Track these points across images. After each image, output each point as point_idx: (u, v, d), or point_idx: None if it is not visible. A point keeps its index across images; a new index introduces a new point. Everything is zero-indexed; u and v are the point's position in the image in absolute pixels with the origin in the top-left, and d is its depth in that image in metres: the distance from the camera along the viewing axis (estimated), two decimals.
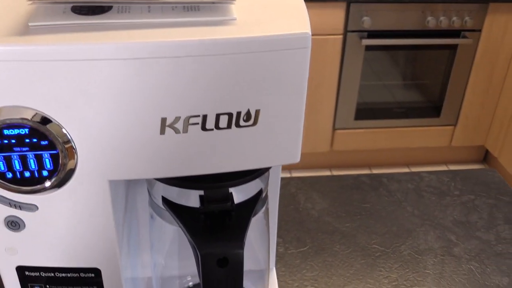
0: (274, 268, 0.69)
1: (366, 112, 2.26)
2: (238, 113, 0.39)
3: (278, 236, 0.79)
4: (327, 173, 2.32)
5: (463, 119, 2.32)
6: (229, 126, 0.39)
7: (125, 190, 0.49)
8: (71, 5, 0.38)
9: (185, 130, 0.39)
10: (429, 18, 2.07)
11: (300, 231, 0.80)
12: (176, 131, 0.39)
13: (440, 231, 0.81)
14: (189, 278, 0.60)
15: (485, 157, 2.53)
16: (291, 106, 0.40)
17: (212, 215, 0.43)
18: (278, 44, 0.37)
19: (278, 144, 0.41)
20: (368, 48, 2.11)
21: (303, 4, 0.41)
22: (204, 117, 0.38)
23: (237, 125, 0.39)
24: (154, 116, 0.38)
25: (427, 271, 0.74)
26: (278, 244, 0.77)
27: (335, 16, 2.01)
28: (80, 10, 0.38)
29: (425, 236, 0.80)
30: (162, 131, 0.38)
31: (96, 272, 0.45)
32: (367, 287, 0.71)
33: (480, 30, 2.12)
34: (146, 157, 0.39)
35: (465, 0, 2.05)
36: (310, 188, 0.89)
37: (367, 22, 2.05)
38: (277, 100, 0.39)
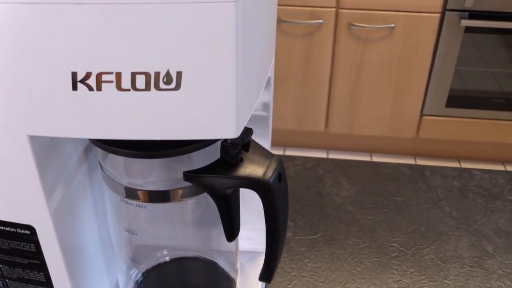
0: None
1: (460, 99, 2.08)
2: (157, 74, 0.34)
3: (291, 220, 0.74)
4: (411, 161, 2.18)
5: None
6: (147, 88, 0.34)
7: (81, 149, 0.47)
8: None
9: (99, 88, 0.35)
10: None
11: (316, 217, 0.74)
12: (89, 88, 0.35)
13: (477, 239, 0.70)
14: (165, 252, 0.57)
15: None
16: (219, 71, 0.34)
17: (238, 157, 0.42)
18: None
19: (208, 114, 0.36)
20: (468, 29, 1.92)
21: None
22: (118, 75, 0.34)
23: (157, 87, 0.34)
24: (63, 69, 0.34)
25: (447, 281, 0.65)
26: (288, 227, 0.72)
27: None
28: None
29: (457, 242, 0.70)
30: (74, 87, 0.35)
31: (31, 229, 0.43)
32: None
33: None
34: (62, 113, 0.36)
35: None
36: (341, 172, 0.82)
37: (469, 1, 1.86)
38: (201, 62, 0.34)
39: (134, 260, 0.53)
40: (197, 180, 0.42)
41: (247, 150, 0.43)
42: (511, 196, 0.77)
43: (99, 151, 0.45)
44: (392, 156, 2.19)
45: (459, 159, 2.19)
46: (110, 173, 0.45)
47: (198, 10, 0.32)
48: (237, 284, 0.57)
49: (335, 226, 0.72)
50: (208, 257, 0.56)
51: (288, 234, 0.71)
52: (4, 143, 0.38)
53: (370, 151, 2.24)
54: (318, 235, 0.71)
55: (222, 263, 0.56)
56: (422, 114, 2.09)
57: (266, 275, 0.48)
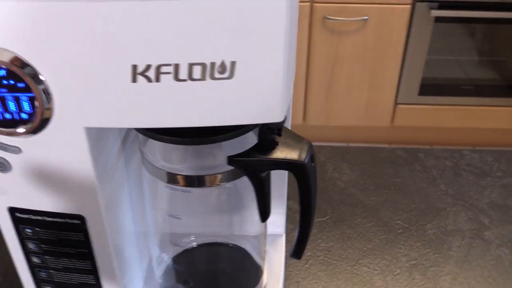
0: (284, 233, 0.67)
1: (432, 87, 2.15)
2: (212, 64, 0.37)
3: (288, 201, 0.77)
4: None
5: None
6: (203, 77, 0.37)
7: (119, 142, 0.49)
8: None
9: (157, 79, 0.37)
10: None
11: (322, 201, 0.77)
12: (148, 79, 0.37)
13: (473, 213, 0.75)
14: (192, 237, 0.60)
15: None
16: (269, 60, 0.37)
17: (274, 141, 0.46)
18: None
19: (258, 100, 0.39)
20: (438, 19, 1.99)
21: None
22: (176, 66, 0.37)
23: (212, 77, 0.37)
24: (124, 63, 0.37)
25: (451, 253, 0.69)
26: (297, 212, 0.75)
27: None
28: None
29: (455, 216, 0.75)
30: (134, 79, 0.37)
31: (81, 219, 0.45)
32: (382, 263, 0.68)
33: None
34: (120, 105, 0.39)
35: None
36: (341, 158, 0.86)
37: None
38: (253, 52, 0.37)
39: (173, 243, 0.55)
40: (239, 163, 0.45)
41: (280, 135, 0.46)
42: (500, 172, 0.83)
43: (142, 141, 0.47)
44: (368, 144, 2.25)
45: (432, 145, 2.27)
46: (155, 160, 0.47)
47: (252, 4, 0.35)
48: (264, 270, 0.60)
49: (341, 209, 0.76)
50: (237, 243, 0.59)
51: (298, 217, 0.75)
52: (61, 136, 0.40)
53: (347, 141, 2.30)
54: (326, 217, 0.75)
55: (250, 250, 0.59)
56: (396, 103, 2.15)
57: (297, 252, 0.52)
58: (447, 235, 0.72)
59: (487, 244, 0.71)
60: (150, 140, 0.45)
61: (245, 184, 0.48)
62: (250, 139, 0.46)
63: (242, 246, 0.59)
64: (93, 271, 0.49)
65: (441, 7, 1.95)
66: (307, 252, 0.69)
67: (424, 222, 0.74)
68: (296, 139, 0.47)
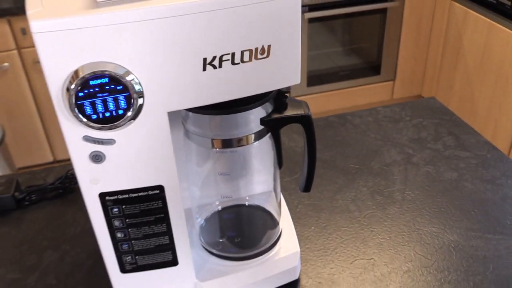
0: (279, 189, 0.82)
1: (316, 78, 2.41)
2: (256, 49, 0.51)
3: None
4: None
5: (400, 74, 2.51)
6: (250, 59, 0.51)
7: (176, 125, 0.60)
8: None
9: (220, 66, 0.50)
10: None
11: (290, 163, 0.93)
12: (214, 67, 0.50)
13: (400, 148, 0.96)
14: (218, 203, 0.72)
15: None
16: (291, 43, 0.52)
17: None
18: None
19: (284, 71, 0.54)
20: (311, 20, 2.25)
21: None
22: (233, 54, 0.50)
23: (256, 58, 0.51)
24: (198, 58, 0.49)
25: (395, 177, 0.89)
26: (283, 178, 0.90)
27: None
28: None
29: (389, 153, 0.95)
30: (204, 68, 0.50)
31: (161, 188, 0.56)
32: (352, 194, 0.85)
33: None
34: (193, 89, 0.51)
35: None
36: (290, 130, 1.02)
37: None
38: (281, 37, 0.51)
39: (218, 193, 0.67)
40: (270, 122, 0.59)
41: (287, 97, 0.61)
42: (408, 117, 1.05)
43: (187, 115, 0.59)
44: None
45: None
46: (199, 130, 0.59)
47: (278, 10, 0.50)
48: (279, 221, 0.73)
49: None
50: (255, 203, 0.72)
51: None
52: (148, 123, 0.52)
53: None
54: (298, 174, 0.91)
55: (268, 207, 0.72)
56: None
57: (307, 186, 0.67)
58: (388, 166, 0.91)
59: (417, 166, 0.91)
60: (197, 116, 0.58)
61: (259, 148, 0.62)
62: (264, 108, 0.61)
63: (259, 204, 0.73)
64: (168, 231, 0.60)
65: (311, 9, 2.21)
66: (294, 201, 0.85)
67: (369, 161, 0.93)
68: (295, 101, 0.63)
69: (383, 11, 2.32)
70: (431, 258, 0.73)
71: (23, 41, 1.94)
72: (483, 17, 2.03)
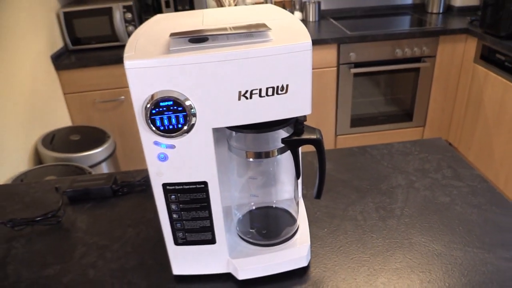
0: (302, 198, 0.87)
1: (358, 121, 2.43)
2: (277, 87, 0.58)
3: (303, 185, 0.97)
4: None
5: (429, 121, 2.46)
6: (273, 94, 0.58)
7: (223, 143, 0.68)
8: (189, 38, 0.59)
9: (251, 97, 0.58)
10: (397, 50, 2.25)
11: (314, 180, 0.97)
12: (246, 98, 0.58)
13: (405, 175, 0.97)
14: (252, 203, 0.78)
15: None
16: (303, 82, 0.59)
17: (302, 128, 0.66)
18: (297, 48, 0.56)
19: (298, 103, 0.60)
20: (356, 75, 2.29)
21: (303, 26, 0.61)
22: (260, 90, 0.58)
23: (277, 93, 0.58)
24: (235, 91, 0.57)
25: (398, 197, 0.90)
26: (302, 187, 0.95)
27: (330, 54, 2.20)
28: (193, 41, 0.58)
29: (396, 178, 0.97)
30: (239, 99, 0.58)
31: (205, 183, 0.64)
32: (360, 207, 0.88)
33: (435, 56, 2.29)
34: (231, 113, 0.59)
35: (422, 35, 2.23)
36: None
37: (353, 57, 2.23)
38: (297, 79, 0.58)
39: (251, 195, 0.74)
40: (289, 142, 0.65)
41: (303, 124, 0.67)
42: (416, 152, 1.06)
43: (229, 136, 0.67)
44: None
45: None
46: (238, 145, 0.66)
47: (295, 57, 0.57)
48: (297, 220, 0.78)
49: (329, 184, 0.97)
50: (280, 205, 0.78)
51: (303, 191, 0.94)
52: (199, 135, 0.60)
53: None
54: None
55: (290, 209, 0.78)
56: (336, 134, 2.40)
57: (318, 194, 0.72)
58: (393, 188, 0.93)
59: (417, 190, 0.92)
60: (237, 134, 0.65)
61: (283, 162, 0.68)
62: (286, 130, 0.67)
63: (283, 207, 0.78)
64: (209, 217, 0.67)
65: (356, 66, 2.25)
66: (315, 209, 0.89)
67: (379, 183, 0.95)
68: (310, 128, 0.68)
69: (417, 69, 2.31)
70: (417, 261, 0.74)
71: None
72: (500, 77, 1.98)
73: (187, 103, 0.57)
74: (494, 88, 2.04)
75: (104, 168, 1.82)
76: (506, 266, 0.71)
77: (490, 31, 2.05)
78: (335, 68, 2.20)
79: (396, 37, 2.16)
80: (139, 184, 0.98)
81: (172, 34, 0.59)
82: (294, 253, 0.73)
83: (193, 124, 0.59)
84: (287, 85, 0.58)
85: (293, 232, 0.75)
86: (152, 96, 0.57)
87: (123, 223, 0.88)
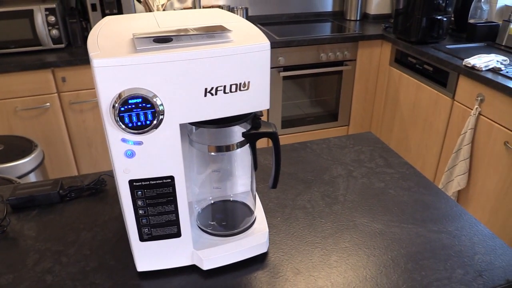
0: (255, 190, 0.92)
1: (288, 122, 2.54)
2: (240, 84, 0.63)
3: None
4: None
5: (353, 120, 2.65)
6: (236, 90, 0.63)
7: (184, 138, 0.71)
8: (154, 38, 0.61)
9: (216, 94, 0.62)
10: (322, 54, 2.40)
11: (264, 175, 1.04)
12: (212, 94, 0.62)
13: (344, 166, 1.07)
14: (210, 198, 0.82)
15: None
16: (263, 79, 0.64)
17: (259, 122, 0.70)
18: (258, 48, 0.61)
19: (258, 99, 0.65)
20: (285, 78, 2.40)
21: (257, 28, 0.67)
22: (225, 87, 0.62)
23: (240, 90, 0.63)
24: (201, 88, 0.61)
25: (340, 185, 1.00)
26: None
27: None
28: (158, 41, 0.61)
29: (336, 169, 1.06)
30: (205, 95, 0.62)
31: (171, 178, 0.66)
32: (308, 196, 0.96)
33: (355, 59, 2.48)
34: (197, 109, 0.62)
35: (343, 40, 2.40)
36: (266, 153, 1.13)
37: (282, 61, 2.34)
38: (257, 76, 0.63)
39: (214, 188, 0.77)
40: (249, 135, 0.70)
41: (260, 119, 0.72)
42: (351, 145, 1.17)
43: (189, 131, 0.70)
44: None
45: None
46: (199, 140, 0.70)
47: (255, 56, 0.62)
48: (254, 211, 0.83)
49: None
50: (239, 199, 0.82)
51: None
52: (166, 131, 0.63)
53: None
54: (267, 183, 1.01)
55: (246, 201, 0.82)
56: None
57: (274, 184, 0.77)
58: (335, 178, 1.02)
59: (355, 178, 1.02)
60: (198, 129, 0.69)
61: (239, 157, 0.73)
62: (244, 126, 0.72)
63: (240, 199, 0.83)
64: (175, 210, 0.70)
65: (285, 70, 2.36)
66: (266, 200, 0.95)
67: (322, 174, 1.04)
68: (266, 122, 0.74)
69: (340, 72, 2.49)
70: (362, 239, 0.83)
71: (62, 87, 2.05)
72: (412, 78, 2.21)
73: (155, 99, 0.60)
74: (408, 88, 2.26)
75: (33, 178, 1.72)
76: (435, 236, 0.83)
77: (402, 37, 2.28)
78: None
79: (320, 42, 2.31)
80: (88, 188, 0.97)
81: (136, 35, 0.61)
82: (254, 241, 0.78)
83: (161, 120, 0.62)
84: (248, 82, 0.63)
85: (252, 222, 0.80)
86: (121, 94, 0.59)
87: (76, 227, 0.87)
